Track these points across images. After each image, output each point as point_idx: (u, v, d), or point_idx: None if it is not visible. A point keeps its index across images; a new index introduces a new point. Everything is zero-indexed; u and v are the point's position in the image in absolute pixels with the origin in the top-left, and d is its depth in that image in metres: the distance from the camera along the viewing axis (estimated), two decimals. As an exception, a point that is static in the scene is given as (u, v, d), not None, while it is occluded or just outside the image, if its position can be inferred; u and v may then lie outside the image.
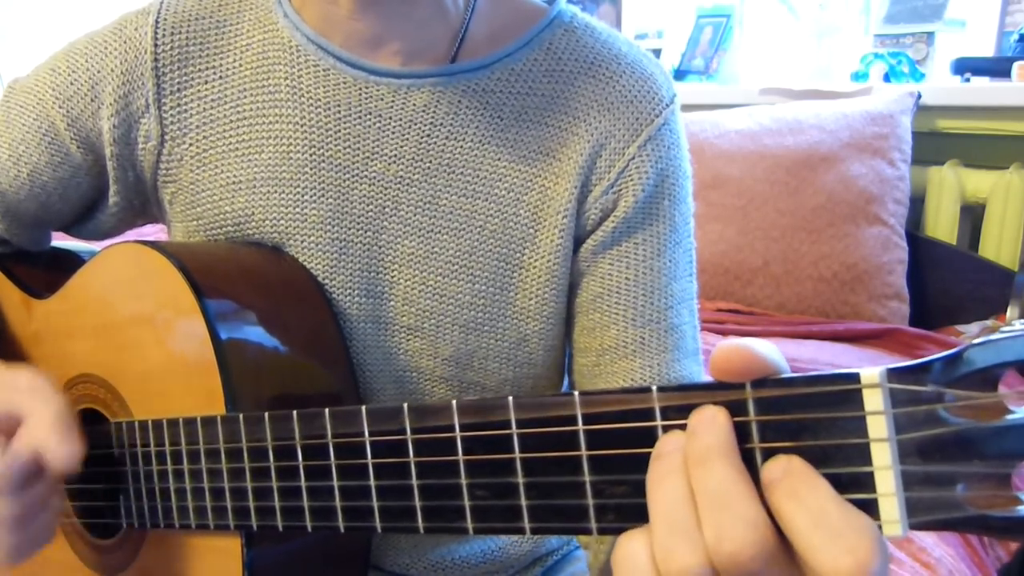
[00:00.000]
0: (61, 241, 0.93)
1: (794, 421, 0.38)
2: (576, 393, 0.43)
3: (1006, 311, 1.81)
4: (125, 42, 0.78)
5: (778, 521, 0.38)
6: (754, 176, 2.03)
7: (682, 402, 0.41)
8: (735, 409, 0.39)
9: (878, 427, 0.36)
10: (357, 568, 0.74)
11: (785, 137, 2.02)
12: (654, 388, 0.41)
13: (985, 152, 1.96)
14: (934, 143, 2.01)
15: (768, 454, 0.39)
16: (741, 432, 0.39)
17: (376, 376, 0.77)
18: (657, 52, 2.77)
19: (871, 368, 0.36)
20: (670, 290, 0.77)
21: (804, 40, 2.55)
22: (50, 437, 0.61)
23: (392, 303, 0.76)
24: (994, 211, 1.91)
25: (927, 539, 1.23)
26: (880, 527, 0.36)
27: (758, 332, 1.91)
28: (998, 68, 1.99)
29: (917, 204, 2.00)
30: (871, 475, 0.36)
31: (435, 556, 0.84)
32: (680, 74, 2.64)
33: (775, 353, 0.40)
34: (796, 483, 0.37)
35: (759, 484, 0.39)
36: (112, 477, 0.70)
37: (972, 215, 1.98)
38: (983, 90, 1.98)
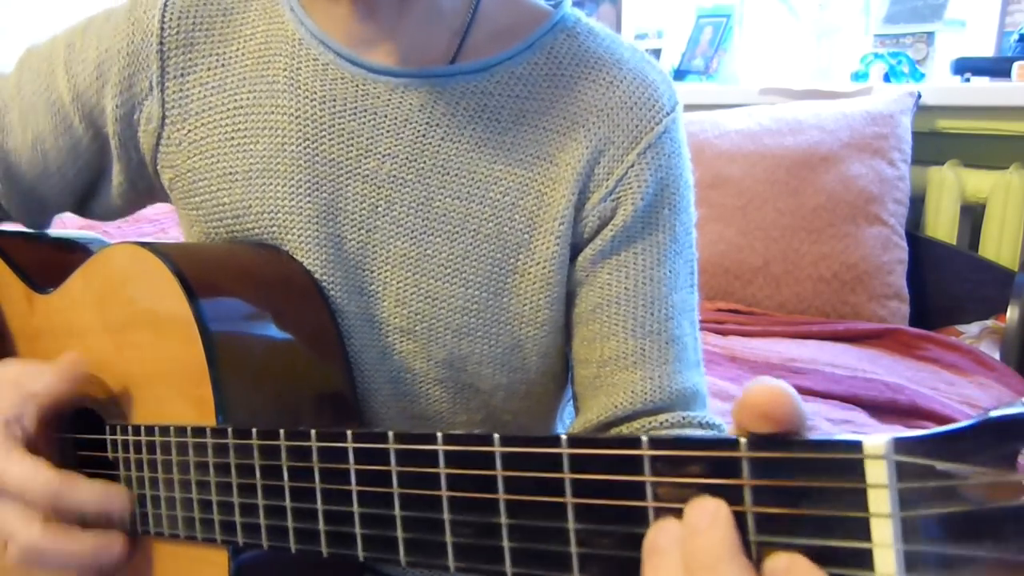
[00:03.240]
0: (65, 232, 0.93)
1: (792, 487, 0.36)
2: (564, 437, 0.42)
3: (1006, 311, 1.81)
4: (134, 23, 0.79)
5: None
6: (754, 176, 2.03)
7: (673, 455, 0.39)
8: (728, 469, 0.37)
9: (880, 501, 0.33)
10: (352, 568, 0.73)
11: (785, 137, 2.02)
12: (644, 439, 0.39)
13: (985, 152, 1.96)
14: (934, 143, 2.01)
15: (763, 520, 0.37)
16: (733, 494, 0.37)
17: (372, 376, 0.77)
18: (657, 52, 2.77)
19: (877, 436, 0.33)
20: (670, 301, 0.76)
21: (804, 40, 2.55)
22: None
23: (385, 303, 0.75)
24: (994, 211, 1.90)
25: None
26: None
27: (758, 332, 1.91)
28: (998, 68, 1.99)
29: (917, 204, 1.99)
30: (870, 552, 0.34)
31: (432, 561, 0.84)
32: (680, 74, 2.63)
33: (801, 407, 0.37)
34: None
35: (748, 551, 0.37)
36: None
37: (972, 215, 1.98)
38: (983, 90, 1.98)
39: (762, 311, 2.02)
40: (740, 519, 0.37)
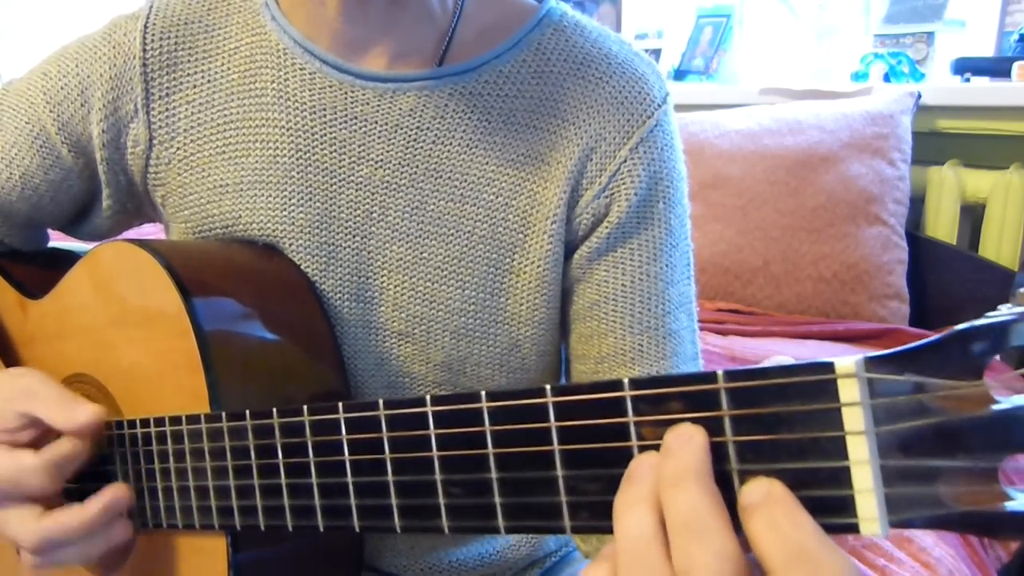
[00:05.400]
0: (61, 242, 0.93)
1: (769, 414, 0.36)
2: (548, 387, 0.42)
3: (1006, 311, 1.80)
4: (114, 47, 0.78)
5: (753, 547, 0.36)
6: (754, 176, 2.03)
7: (653, 394, 0.39)
8: (707, 401, 0.38)
9: (854, 419, 0.34)
10: (349, 569, 0.73)
11: (785, 137, 2.02)
12: (625, 381, 0.40)
13: (985, 152, 1.95)
14: (934, 143, 2.01)
15: (741, 448, 0.37)
16: (714, 426, 0.38)
17: (368, 381, 0.77)
18: (657, 52, 2.77)
19: (847, 357, 0.34)
20: (667, 295, 0.76)
21: (804, 40, 2.55)
22: (68, 421, 0.65)
23: (382, 308, 0.75)
24: (994, 211, 1.90)
25: (927, 539, 1.23)
26: (858, 525, 0.35)
27: (758, 332, 1.90)
28: (998, 68, 1.98)
29: (917, 204, 1.99)
30: (847, 470, 0.35)
31: (432, 558, 0.84)
32: (680, 74, 2.63)
33: None
34: (776, 512, 0.36)
35: (729, 479, 0.38)
36: (103, 477, 0.70)
37: (972, 215, 1.98)
38: (983, 90, 1.97)
39: (762, 311, 2.02)
40: (722, 449, 0.38)
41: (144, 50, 0.77)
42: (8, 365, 0.82)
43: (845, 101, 2.03)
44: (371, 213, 0.75)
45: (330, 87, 0.75)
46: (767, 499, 0.36)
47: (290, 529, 0.56)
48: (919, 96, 1.95)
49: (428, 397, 0.48)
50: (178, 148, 0.78)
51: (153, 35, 0.78)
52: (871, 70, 2.23)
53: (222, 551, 0.63)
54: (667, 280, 0.76)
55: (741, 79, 2.57)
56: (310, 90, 0.75)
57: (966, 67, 2.04)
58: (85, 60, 0.79)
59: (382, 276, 0.75)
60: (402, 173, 0.74)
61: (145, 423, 0.66)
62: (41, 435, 0.67)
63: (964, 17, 2.20)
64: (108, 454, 0.70)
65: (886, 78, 2.20)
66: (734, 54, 2.57)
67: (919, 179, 1.96)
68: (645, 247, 0.75)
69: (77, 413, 0.65)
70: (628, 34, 2.87)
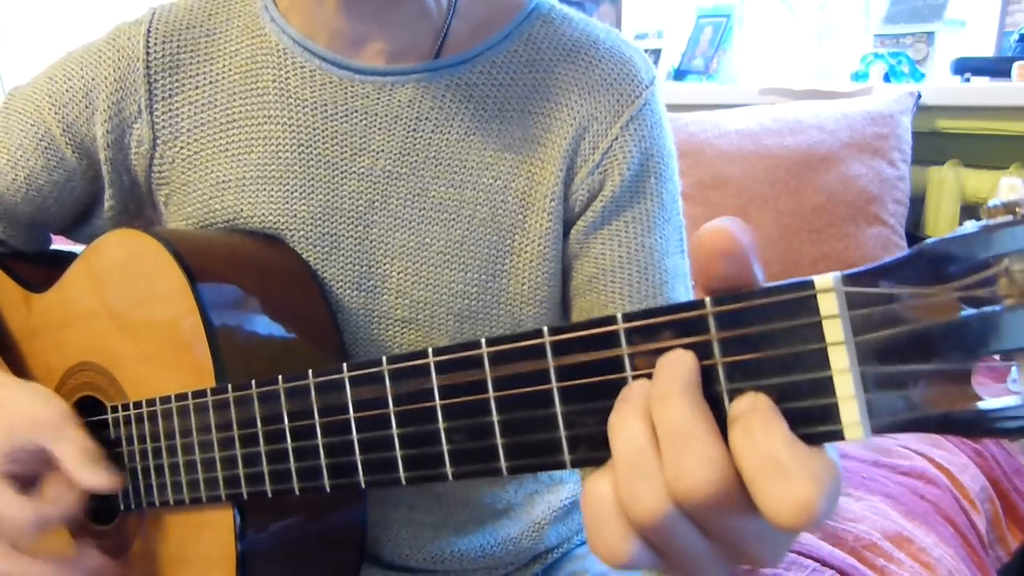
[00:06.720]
0: (63, 245, 0.94)
1: (755, 333, 0.38)
2: (545, 328, 0.44)
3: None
4: (118, 51, 0.81)
5: (733, 458, 0.38)
6: (754, 176, 2.03)
7: (645, 325, 0.41)
8: (696, 327, 0.40)
9: (834, 331, 0.36)
10: (351, 557, 0.73)
11: (785, 137, 2.02)
12: (619, 315, 0.41)
13: (985, 152, 1.96)
14: (934, 143, 2.01)
15: (731, 368, 0.39)
16: (703, 350, 0.39)
17: None
18: (657, 52, 2.77)
19: (825, 274, 0.36)
20: (663, 266, 0.79)
21: (804, 40, 2.56)
22: (85, 476, 0.65)
23: (385, 296, 0.77)
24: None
25: (927, 539, 1.23)
26: (842, 431, 0.36)
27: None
28: (998, 68, 1.99)
29: (917, 204, 1.99)
30: (830, 379, 0.36)
31: (434, 548, 0.85)
32: (680, 74, 2.64)
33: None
34: (753, 422, 0.37)
35: (720, 400, 0.39)
36: (111, 460, 0.70)
37: (972, 215, 1.98)
38: (983, 90, 1.98)
39: (762, 310, 2.02)
40: (712, 372, 0.39)
41: (147, 53, 0.80)
42: (12, 360, 0.83)
43: (845, 101, 2.04)
44: (373, 203, 0.77)
45: (330, 83, 0.77)
46: (748, 410, 0.38)
47: (296, 493, 0.57)
48: (919, 96, 1.96)
49: (430, 349, 0.49)
50: (182, 147, 0.80)
51: (156, 39, 0.80)
52: (871, 70, 2.23)
53: (228, 521, 0.64)
54: (662, 251, 0.79)
55: (741, 79, 2.57)
56: (310, 87, 0.78)
57: (966, 67, 2.05)
58: (89, 64, 0.81)
59: (385, 264, 0.77)
60: (402, 162, 0.77)
61: (151, 403, 0.66)
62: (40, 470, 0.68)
63: (964, 17, 2.21)
64: (115, 438, 0.70)
65: (886, 78, 2.21)
66: (734, 54, 2.58)
67: (919, 179, 1.97)
68: (639, 220, 0.78)
69: (100, 476, 0.65)
70: (628, 34, 2.87)
